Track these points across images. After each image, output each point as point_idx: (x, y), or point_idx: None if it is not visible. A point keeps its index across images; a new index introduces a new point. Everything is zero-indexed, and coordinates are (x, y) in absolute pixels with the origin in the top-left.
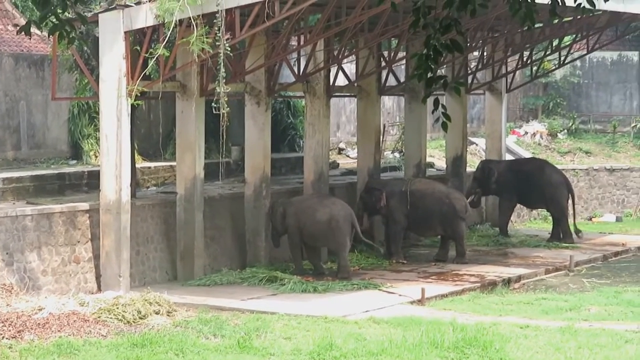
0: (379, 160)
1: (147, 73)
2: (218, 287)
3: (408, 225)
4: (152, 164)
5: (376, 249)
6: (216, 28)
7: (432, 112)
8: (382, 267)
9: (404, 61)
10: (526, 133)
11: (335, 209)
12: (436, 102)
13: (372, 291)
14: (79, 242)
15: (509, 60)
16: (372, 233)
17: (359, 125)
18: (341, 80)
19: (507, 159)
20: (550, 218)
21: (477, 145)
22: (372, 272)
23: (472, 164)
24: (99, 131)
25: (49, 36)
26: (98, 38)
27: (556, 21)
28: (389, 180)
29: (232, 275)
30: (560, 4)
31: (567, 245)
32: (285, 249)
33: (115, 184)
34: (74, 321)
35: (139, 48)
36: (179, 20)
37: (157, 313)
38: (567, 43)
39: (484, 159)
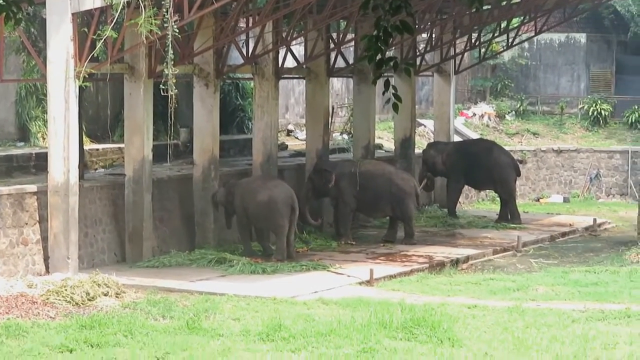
0: (328, 141)
1: (95, 55)
2: (167, 268)
3: (357, 207)
4: (100, 146)
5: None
6: (164, 9)
7: (383, 94)
8: (331, 248)
9: (352, 43)
10: (474, 115)
11: (276, 191)
12: (387, 84)
13: (321, 272)
14: (26, 224)
15: (457, 42)
16: (320, 214)
17: (308, 107)
18: (290, 62)
19: (455, 140)
20: (498, 199)
21: (425, 126)
22: (321, 254)
23: (421, 145)
24: (46, 113)
25: None
26: (45, 19)
27: (504, 3)
28: (338, 161)
29: (181, 256)
30: None
31: (514, 226)
32: (234, 231)
33: (63, 166)
34: (22, 303)
35: (86, 30)
36: (126, 1)
37: (105, 295)
38: (515, 25)
39: (432, 140)
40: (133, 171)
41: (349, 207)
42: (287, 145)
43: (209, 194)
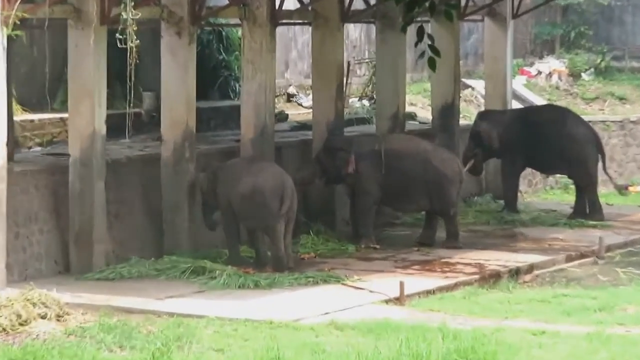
0: (342, 110)
1: None
2: (126, 281)
3: (382, 198)
4: (36, 116)
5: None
6: None
7: (415, 45)
8: (347, 254)
9: None
10: (539, 73)
11: (261, 178)
12: (420, 32)
13: (333, 286)
14: None
15: None
16: (334, 207)
17: (315, 64)
18: (290, 4)
19: (514, 107)
20: (573, 187)
21: (473, 89)
22: (333, 261)
23: (468, 114)
24: None
25: None
26: None
27: None
28: (356, 137)
29: (145, 265)
30: None
31: (595, 223)
32: (218, 231)
33: None
34: None
35: None
36: None
37: (43, 317)
38: None
39: (484, 108)
40: (80, 150)
41: (372, 198)
42: (287, 114)
43: (183, 181)
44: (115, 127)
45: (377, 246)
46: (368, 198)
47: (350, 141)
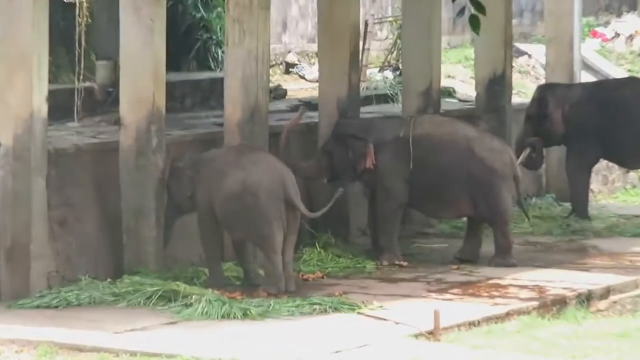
0: (358, 84)
1: None
2: (74, 309)
3: (411, 200)
4: None
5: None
6: None
7: (453, 0)
8: (365, 274)
9: None
10: (617, 35)
11: (254, 173)
12: None
13: (346, 316)
14: None
15: None
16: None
17: (322, 23)
18: None
19: (583, 81)
20: None
21: (529, 56)
22: (346, 283)
23: (523, 89)
24: None
25: None
26: None
27: None
28: (376, 120)
29: (99, 288)
30: None
31: None
32: (194, 243)
33: None
34: None
35: None
36: None
37: None
38: None
39: (544, 82)
40: (13, 137)
41: (396, 200)
42: (285, 90)
43: (149, 179)
44: (60, 107)
45: (404, 263)
46: (392, 200)
47: (368, 126)
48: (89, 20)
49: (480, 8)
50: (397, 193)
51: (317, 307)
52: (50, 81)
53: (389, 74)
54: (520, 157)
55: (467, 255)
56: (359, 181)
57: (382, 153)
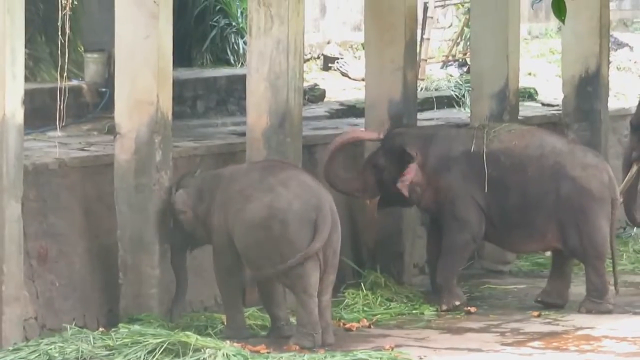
0: (415, 83)
1: None
2: None
3: (488, 230)
4: None
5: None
6: None
7: None
8: (423, 321)
9: None
10: None
11: (283, 197)
12: None
13: None
14: None
15: None
16: (401, 246)
17: (370, 7)
18: None
19: None
20: None
21: (632, 49)
22: (400, 333)
23: (623, 91)
24: None
25: None
26: None
27: None
28: (440, 130)
29: (90, 340)
30: None
31: None
32: (208, 281)
33: None
34: None
35: None
36: None
37: None
38: None
39: None
40: None
41: (471, 231)
42: (324, 90)
43: (151, 202)
44: (40, 112)
45: (472, 309)
46: (466, 231)
47: (428, 135)
48: (75, 2)
49: None
50: (472, 222)
51: None
52: (27, 79)
53: (453, 70)
54: (626, 178)
55: (553, 298)
56: (417, 206)
57: (448, 172)
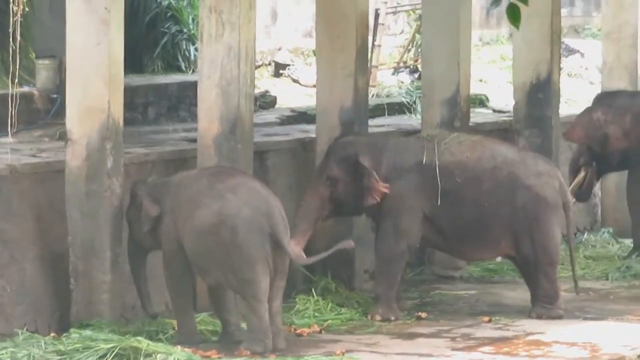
0: (366, 89)
1: None
2: None
3: (436, 240)
4: None
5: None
6: None
7: None
8: (374, 327)
9: None
10: None
11: (233, 202)
12: None
13: None
14: None
15: None
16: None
17: (321, 13)
18: None
19: None
20: None
21: (583, 55)
22: (350, 338)
23: (574, 98)
24: None
25: None
26: None
27: None
28: (391, 137)
29: (41, 345)
30: None
31: None
32: (161, 290)
33: None
34: None
35: None
36: None
37: None
38: None
39: (602, 90)
40: None
41: (407, 240)
42: (274, 97)
43: (103, 209)
44: None
45: (422, 314)
46: (401, 241)
47: (377, 146)
48: (27, 9)
49: None
50: (410, 232)
51: None
52: None
53: (405, 77)
54: (573, 183)
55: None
56: (365, 214)
57: (398, 182)
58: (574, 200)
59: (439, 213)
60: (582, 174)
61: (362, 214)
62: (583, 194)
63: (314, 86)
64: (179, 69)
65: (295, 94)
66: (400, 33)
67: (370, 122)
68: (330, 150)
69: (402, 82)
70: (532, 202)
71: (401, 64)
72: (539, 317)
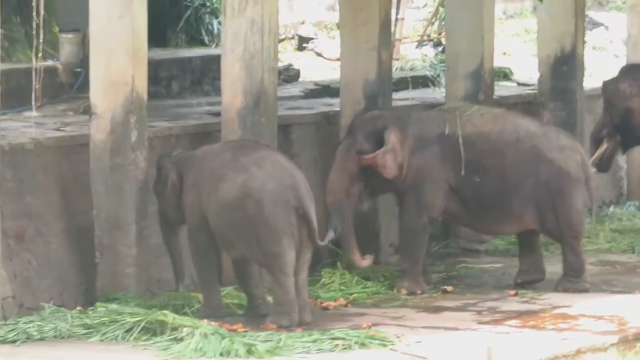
0: (389, 62)
1: None
2: (35, 345)
3: (458, 214)
4: None
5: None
6: None
7: None
8: (400, 300)
9: None
10: None
11: (257, 176)
12: None
13: (376, 353)
14: None
15: None
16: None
17: None
18: None
19: None
20: None
21: (607, 28)
22: (376, 312)
23: (599, 69)
24: None
25: None
26: None
27: None
28: (414, 111)
29: (67, 318)
30: None
31: None
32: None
33: None
34: None
35: None
36: None
37: None
38: None
39: (626, 61)
40: None
41: (430, 213)
42: (298, 70)
43: (127, 181)
44: (15, 92)
45: (448, 288)
46: (423, 214)
47: (401, 118)
48: None
49: None
50: (433, 204)
51: (339, 342)
52: (2, 60)
53: (428, 50)
54: (595, 154)
55: (532, 275)
56: (392, 190)
57: (422, 153)
58: (594, 170)
59: (463, 184)
60: (604, 146)
61: (391, 190)
62: (604, 164)
63: (338, 59)
64: (202, 43)
65: (318, 67)
66: (424, 6)
67: (394, 95)
68: (357, 125)
69: (425, 56)
70: (556, 176)
71: (425, 37)
72: (565, 290)
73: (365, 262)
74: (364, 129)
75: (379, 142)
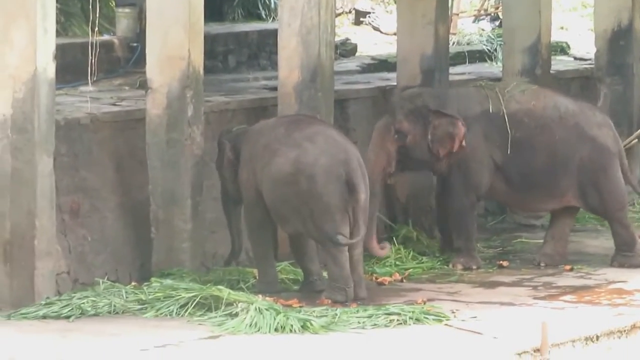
0: (447, 37)
1: None
2: (89, 320)
3: (501, 192)
4: None
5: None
6: None
7: None
8: (455, 275)
9: None
10: None
11: (312, 151)
12: None
13: (431, 328)
14: None
15: None
16: (432, 200)
17: None
18: None
19: None
20: None
21: None
22: (432, 287)
23: None
24: None
25: None
26: None
27: None
28: (454, 90)
29: (122, 294)
30: None
31: None
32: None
33: None
34: None
35: None
36: None
37: None
38: None
39: None
40: (12, 104)
41: (478, 191)
42: (355, 45)
43: (183, 156)
44: (71, 66)
45: (504, 263)
46: (471, 193)
47: (440, 96)
48: None
49: None
50: (482, 184)
51: (394, 317)
52: (58, 34)
53: (485, 25)
54: (635, 133)
55: (554, 261)
56: (439, 169)
57: (469, 131)
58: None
59: (509, 162)
60: None
61: (429, 169)
62: None
63: (395, 34)
64: (259, 17)
65: (375, 41)
66: None
67: (451, 70)
68: (395, 104)
69: (482, 30)
70: (598, 153)
71: (482, 12)
72: (621, 265)
73: (384, 251)
74: (403, 108)
75: (420, 121)
